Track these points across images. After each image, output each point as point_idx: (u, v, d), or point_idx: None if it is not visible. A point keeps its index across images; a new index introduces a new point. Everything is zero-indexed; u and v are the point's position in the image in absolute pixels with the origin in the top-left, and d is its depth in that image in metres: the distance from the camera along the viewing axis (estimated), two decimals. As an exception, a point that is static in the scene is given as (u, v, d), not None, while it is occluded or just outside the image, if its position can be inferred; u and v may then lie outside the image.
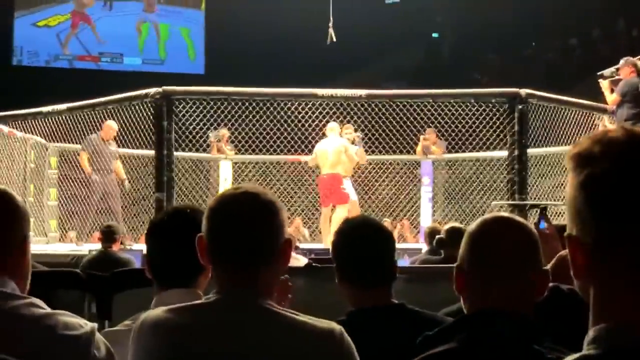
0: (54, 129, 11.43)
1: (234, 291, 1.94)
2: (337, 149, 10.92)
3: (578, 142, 1.19)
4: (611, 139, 1.14)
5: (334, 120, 11.33)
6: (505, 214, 2.10)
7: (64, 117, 11.26)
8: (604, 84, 10.13)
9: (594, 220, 1.13)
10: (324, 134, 11.29)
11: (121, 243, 8.38)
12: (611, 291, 1.13)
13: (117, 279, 4.19)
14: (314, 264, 4.98)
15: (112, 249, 7.43)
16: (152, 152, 10.24)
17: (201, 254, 2.00)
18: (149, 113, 10.28)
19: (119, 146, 11.54)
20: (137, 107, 10.48)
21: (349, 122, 11.61)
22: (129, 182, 11.69)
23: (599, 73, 10.43)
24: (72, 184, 11.91)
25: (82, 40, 26.20)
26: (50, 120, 11.40)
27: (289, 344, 1.88)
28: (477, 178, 12.71)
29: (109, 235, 7.52)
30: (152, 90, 9.97)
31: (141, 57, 26.87)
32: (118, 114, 10.98)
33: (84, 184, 11.54)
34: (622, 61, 10.12)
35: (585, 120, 11.04)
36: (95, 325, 1.98)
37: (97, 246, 8.01)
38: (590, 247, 1.14)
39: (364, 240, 2.54)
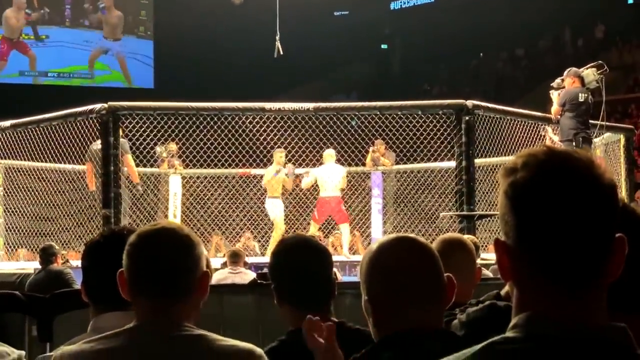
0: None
1: (152, 320, 1.93)
2: (342, 175, 12.13)
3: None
4: (532, 153, 1.24)
5: (283, 133, 11.51)
6: (399, 235, 1.99)
7: (8, 134, 11.07)
8: (555, 95, 10.26)
9: (515, 224, 1.22)
10: (273, 146, 11.64)
11: (67, 261, 8.28)
12: (530, 287, 1.23)
13: (58, 300, 4.09)
14: (259, 281, 4.95)
15: (53, 265, 7.36)
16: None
17: (122, 288, 2.00)
18: (96, 129, 10.13)
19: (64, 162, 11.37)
20: (83, 122, 10.32)
21: (297, 137, 11.74)
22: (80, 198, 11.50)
23: (551, 84, 10.54)
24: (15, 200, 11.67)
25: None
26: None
27: None
28: (427, 189, 12.76)
29: (46, 257, 7.48)
30: (97, 106, 9.85)
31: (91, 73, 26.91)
32: (64, 130, 10.82)
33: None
34: (565, 72, 10.27)
35: (531, 130, 11.14)
36: (23, 353, 1.95)
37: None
38: (513, 249, 1.23)
39: (300, 261, 2.53)
